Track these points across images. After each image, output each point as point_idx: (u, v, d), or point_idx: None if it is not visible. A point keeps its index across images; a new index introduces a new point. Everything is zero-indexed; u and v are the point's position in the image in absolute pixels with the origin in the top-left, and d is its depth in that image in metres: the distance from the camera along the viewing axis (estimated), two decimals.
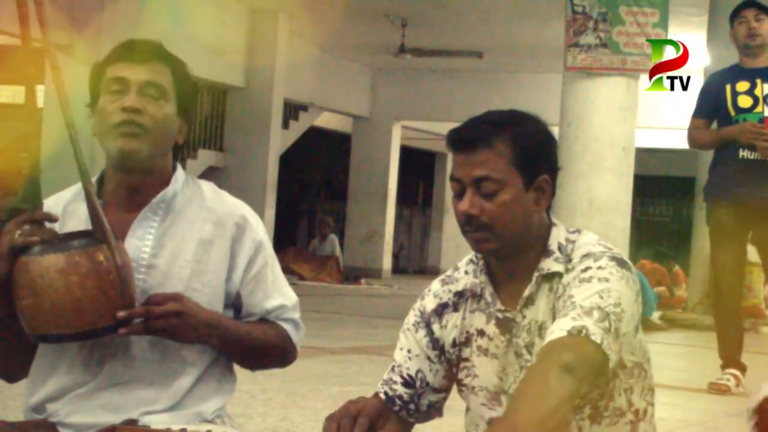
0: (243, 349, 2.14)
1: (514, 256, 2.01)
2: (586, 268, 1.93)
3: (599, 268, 1.92)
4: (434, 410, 2.13)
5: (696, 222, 10.94)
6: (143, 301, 1.99)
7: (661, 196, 25.28)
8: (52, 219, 1.97)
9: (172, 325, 1.99)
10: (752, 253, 5.81)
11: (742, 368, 5.41)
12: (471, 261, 2.11)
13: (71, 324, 1.90)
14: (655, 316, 10.04)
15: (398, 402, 2.09)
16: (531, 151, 1.98)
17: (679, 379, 5.98)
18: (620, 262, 1.94)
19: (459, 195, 1.99)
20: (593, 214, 9.26)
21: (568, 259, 1.99)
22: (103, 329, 1.93)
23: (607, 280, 1.90)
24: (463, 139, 1.97)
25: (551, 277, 1.99)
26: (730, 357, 5.43)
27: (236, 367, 2.22)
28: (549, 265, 1.99)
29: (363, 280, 16.23)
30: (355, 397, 2.11)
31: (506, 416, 1.75)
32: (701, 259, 10.22)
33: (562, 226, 2.05)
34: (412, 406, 2.10)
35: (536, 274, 1.99)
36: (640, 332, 2.01)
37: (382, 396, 2.11)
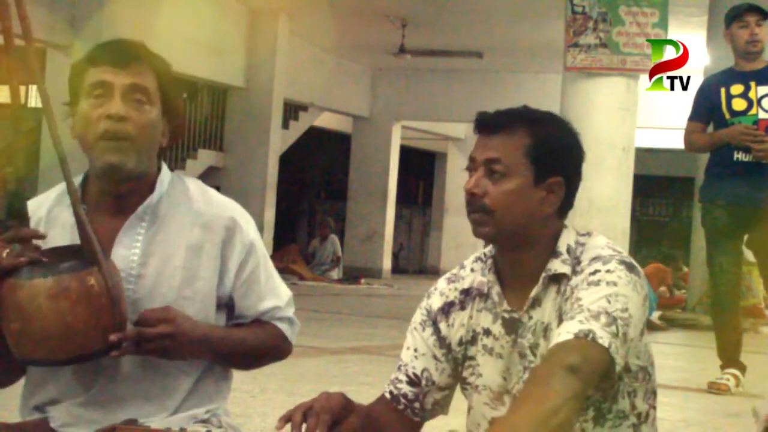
0: (237, 357, 2.12)
1: (518, 253, 2.01)
2: (595, 271, 1.92)
3: (608, 271, 1.92)
4: (439, 408, 2.13)
5: (696, 222, 10.93)
6: (134, 322, 1.94)
7: (661, 196, 25.28)
8: (39, 236, 1.91)
9: (164, 347, 1.96)
10: (751, 253, 5.81)
11: (742, 368, 5.41)
12: (479, 259, 2.11)
13: (61, 349, 1.85)
14: (655, 316, 10.05)
15: (403, 401, 2.09)
16: (549, 149, 1.98)
17: (679, 379, 5.98)
18: (629, 267, 1.94)
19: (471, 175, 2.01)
20: (593, 214, 9.27)
21: (577, 261, 1.98)
22: (94, 353, 1.89)
23: (615, 284, 1.89)
24: (487, 122, 2.00)
25: (558, 278, 1.98)
26: (730, 357, 5.43)
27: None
28: (556, 266, 1.98)
29: (363, 280, 16.23)
30: (355, 397, 2.11)
31: (507, 416, 1.75)
32: (701, 259, 10.19)
33: (573, 229, 2.05)
34: (417, 405, 2.09)
35: (543, 275, 1.99)
36: (645, 336, 2.01)
37: (387, 395, 2.10)
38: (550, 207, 2.00)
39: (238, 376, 2.23)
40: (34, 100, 14.08)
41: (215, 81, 13.78)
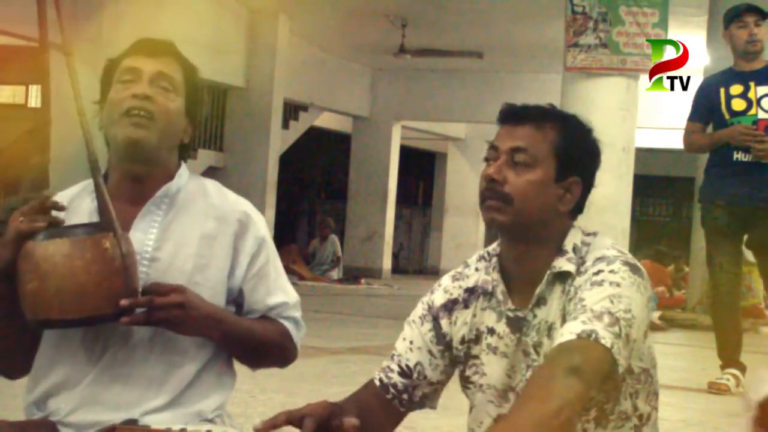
0: (244, 344, 2.14)
1: (526, 248, 2.00)
2: (599, 272, 1.92)
3: (611, 272, 1.91)
4: (427, 401, 2.12)
5: (696, 222, 10.94)
6: (145, 291, 1.99)
7: (661, 196, 25.30)
8: (59, 207, 1.98)
9: (174, 316, 1.99)
10: (751, 253, 5.81)
11: (742, 368, 5.41)
12: (482, 258, 2.11)
13: (74, 309, 1.90)
14: (655, 316, 10.05)
15: (392, 390, 2.09)
16: (574, 149, 2.00)
17: (679, 379, 5.98)
18: (633, 268, 1.93)
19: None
20: (592, 214, 9.17)
21: (582, 261, 1.98)
22: (106, 316, 1.94)
23: (618, 285, 1.89)
24: (515, 113, 2.01)
25: (563, 277, 1.98)
26: (730, 357, 5.43)
27: (236, 366, 2.22)
28: (561, 264, 1.98)
29: (363, 280, 16.23)
30: None
31: (508, 417, 1.75)
32: (701, 259, 10.21)
33: (580, 228, 2.05)
34: (405, 396, 2.09)
35: (548, 272, 1.98)
36: (648, 338, 2.01)
37: (377, 382, 2.11)
38: (565, 206, 2.01)
39: (238, 375, 2.23)
40: (34, 101, 14.09)
41: (215, 81, 13.77)
